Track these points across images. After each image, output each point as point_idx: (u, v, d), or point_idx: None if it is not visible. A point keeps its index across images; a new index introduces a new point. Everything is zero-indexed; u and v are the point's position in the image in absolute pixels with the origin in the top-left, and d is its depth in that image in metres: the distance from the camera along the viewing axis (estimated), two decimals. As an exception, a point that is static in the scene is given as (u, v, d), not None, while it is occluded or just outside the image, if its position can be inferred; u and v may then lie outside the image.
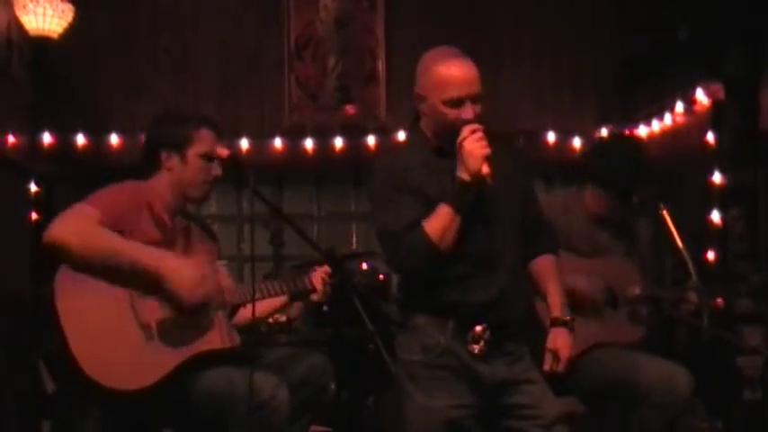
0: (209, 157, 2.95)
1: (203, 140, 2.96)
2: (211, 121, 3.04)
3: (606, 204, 3.57)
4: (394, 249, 2.67)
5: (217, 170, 2.96)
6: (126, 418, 2.87)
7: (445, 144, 2.69)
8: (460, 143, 2.59)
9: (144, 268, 2.74)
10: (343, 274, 3.01)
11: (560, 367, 2.77)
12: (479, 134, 2.59)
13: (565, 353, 2.76)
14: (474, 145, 2.57)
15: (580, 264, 3.48)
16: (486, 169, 2.57)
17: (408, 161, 2.73)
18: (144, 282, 2.77)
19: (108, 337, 2.72)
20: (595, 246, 3.58)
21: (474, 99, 2.64)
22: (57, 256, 2.73)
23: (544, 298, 2.88)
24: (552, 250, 2.93)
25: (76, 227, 2.73)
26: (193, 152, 2.95)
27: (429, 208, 2.64)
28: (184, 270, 2.79)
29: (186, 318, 2.83)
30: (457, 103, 2.63)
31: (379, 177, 2.75)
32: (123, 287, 2.77)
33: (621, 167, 3.54)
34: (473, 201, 2.63)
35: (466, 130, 2.59)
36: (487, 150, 2.57)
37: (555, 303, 2.83)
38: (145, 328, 2.77)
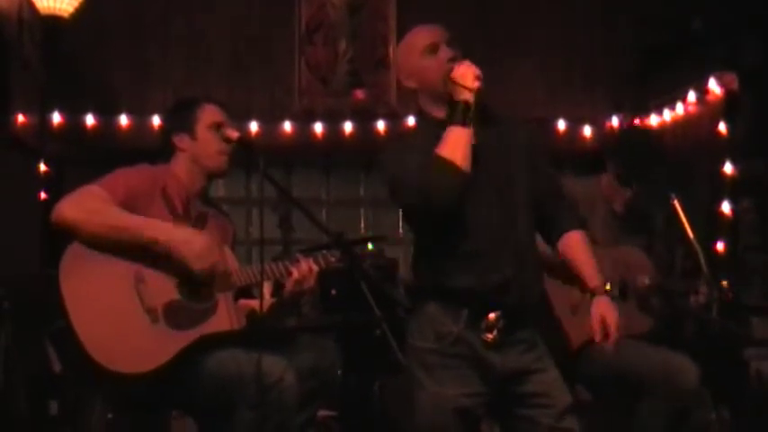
0: (217, 127, 3.00)
1: (208, 113, 3.04)
2: (215, 99, 3.12)
3: (623, 195, 3.57)
4: (418, 185, 2.58)
5: (230, 133, 2.95)
6: (133, 400, 2.87)
7: (446, 105, 2.67)
8: (450, 76, 2.62)
9: (153, 241, 2.76)
10: (352, 259, 2.99)
11: (611, 340, 2.64)
12: (468, 62, 2.63)
13: (612, 321, 2.64)
14: (464, 68, 2.61)
15: (595, 253, 3.46)
16: (477, 83, 2.60)
17: (416, 146, 2.69)
18: (153, 257, 2.78)
19: (113, 320, 2.72)
20: (612, 237, 3.57)
21: (448, 43, 2.69)
22: (65, 234, 2.75)
23: (577, 272, 2.79)
24: (577, 227, 2.85)
25: (85, 204, 2.76)
26: (201, 127, 3.02)
27: None
28: (193, 239, 2.80)
29: (192, 301, 2.83)
30: (434, 49, 2.69)
31: (388, 151, 2.77)
32: (130, 267, 2.78)
33: (638, 162, 3.57)
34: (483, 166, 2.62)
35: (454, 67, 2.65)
36: (478, 71, 2.60)
37: (591, 274, 2.75)
38: (150, 311, 2.77)
